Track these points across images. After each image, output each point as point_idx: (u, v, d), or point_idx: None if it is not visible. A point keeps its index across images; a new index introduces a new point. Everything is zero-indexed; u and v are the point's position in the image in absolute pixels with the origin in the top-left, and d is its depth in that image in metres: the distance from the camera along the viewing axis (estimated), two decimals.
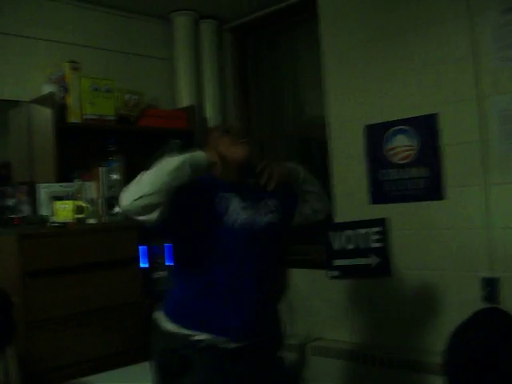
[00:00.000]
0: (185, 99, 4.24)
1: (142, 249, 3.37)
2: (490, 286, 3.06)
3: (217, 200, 2.13)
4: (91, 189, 3.32)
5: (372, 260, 3.54)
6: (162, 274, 3.49)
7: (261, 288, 2.17)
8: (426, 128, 3.31)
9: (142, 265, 3.36)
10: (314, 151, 4.30)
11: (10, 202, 3.30)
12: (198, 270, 2.14)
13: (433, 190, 3.29)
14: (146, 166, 3.85)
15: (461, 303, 3.06)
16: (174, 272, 2.25)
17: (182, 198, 2.00)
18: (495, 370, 2.05)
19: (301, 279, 3.87)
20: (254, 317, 2.13)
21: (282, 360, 2.34)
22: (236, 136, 2.21)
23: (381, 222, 3.51)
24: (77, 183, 3.27)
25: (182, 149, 3.83)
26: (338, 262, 3.70)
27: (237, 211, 2.13)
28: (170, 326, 2.12)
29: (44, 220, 3.11)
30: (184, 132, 4.01)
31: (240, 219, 2.13)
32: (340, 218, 3.74)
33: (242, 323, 2.10)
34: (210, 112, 4.35)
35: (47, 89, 3.47)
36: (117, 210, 3.29)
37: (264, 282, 2.20)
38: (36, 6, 3.72)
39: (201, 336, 2.07)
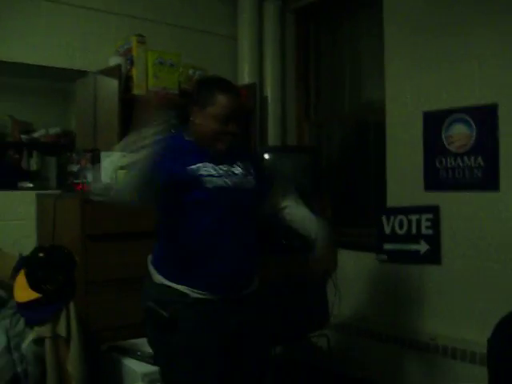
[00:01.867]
0: (246, 77, 4.31)
1: None
2: None
3: (192, 164, 2.12)
4: None
5: (422, 247, 3.56)
6: None
7: (238, 245, 2.18)
8: (485, 118, 3.28)
9: None
10: (370, 135, 4.30)
11: (74, 167, 3.42)
12: (177, 228, 2.17)
13: (489, 180, 3.28)
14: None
15: (508, 295, 3.07)
16: (157, 227, 2.26)
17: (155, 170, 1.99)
18: None
19: (350, 261, 3.92)
20: (231, 272, 2.16)
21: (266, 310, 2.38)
22: (228, 128, 2.17)
23: (434, 209, 3.51)
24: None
25: (241, 124, 3.95)
26: (388, 246, 3.73)
27: (211, 174, 2.14)
28: (159, 277, 2.19)
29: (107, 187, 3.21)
30: (244, 108, 4.06)
31: (216, 181, 2.14)
32: (393, 202, 3.77)
33: (220, 279, 2.14)
34: (270, 91, 4.40)
35: (114, 61, 3.57)
36: None
37: (241, 238, 2.20)
38: None
39: (186, 290, 2.12)
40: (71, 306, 2.57)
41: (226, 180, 2.17)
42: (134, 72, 3.51)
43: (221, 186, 2.15)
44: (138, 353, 2.86)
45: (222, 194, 2.15)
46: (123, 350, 2.91)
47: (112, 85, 3.48)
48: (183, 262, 2.16)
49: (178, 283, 2.14)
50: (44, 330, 2.48)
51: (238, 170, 2.23)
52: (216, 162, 2.17)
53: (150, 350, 2.82)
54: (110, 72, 3.54)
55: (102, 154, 3.31)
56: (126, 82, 3.53)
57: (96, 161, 3.32)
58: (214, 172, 2.15)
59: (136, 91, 3.50)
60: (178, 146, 2.18)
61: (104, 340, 3.00)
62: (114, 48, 3.71)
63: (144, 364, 2.77)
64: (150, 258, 2.29)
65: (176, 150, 2.13)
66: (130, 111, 3.43)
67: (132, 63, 3.53)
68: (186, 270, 2.16)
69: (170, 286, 2.15)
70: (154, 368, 2.71)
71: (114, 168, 2.19)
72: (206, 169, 2.14)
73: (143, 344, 2.97)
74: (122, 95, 3.45)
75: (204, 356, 2.12)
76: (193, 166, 2.12)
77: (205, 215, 2.12)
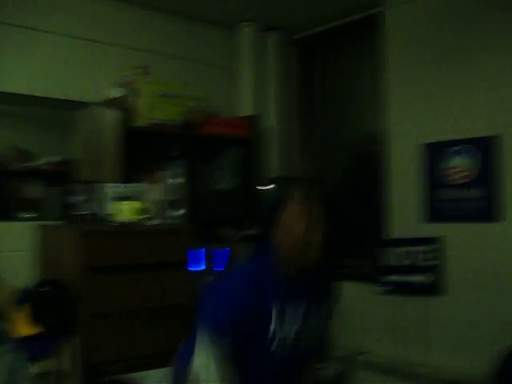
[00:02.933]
0: (247, 108, 4.33)
1: (203, 251, 3.44)
2: None
3: (267, 315, 1.85)
4: (155, 191, 3.41)
5: (425, 278, 3.54)
6: None
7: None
8: (487, 149, 3.31)
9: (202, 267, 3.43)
10: (368, 166, 4.30)
11: (76, 199, 3.41)
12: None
13: (491, 211, 3.29)
14: (206, 172, 3.96)
15: None
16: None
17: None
18: None
19: (352, 292, 3.88)
20: None
21: None
22: (316, 223, 1.84)
23: (436, 241, 3.51)
24: (141, 185, 3.36)
25: (242, 157, 3.96)
26: (390, 278, 3.71)
27: (285, 330, 1.88)
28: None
29: (107, 219, 3.21)
30: (245, 140, 4.09)
31: (287, 340, 1.89)
32: (394, 234, 3.76)
33: None
34: (273, 121, 4.42)
35: (115, 92, 3.59)
36: (180, 212, 3.38)
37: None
38: (106, 11, 3.86)
39: None
40: (74, 339, 2.54)
41: (291, 329, 1.90)
42: (138, 104, 3.52)
43: (283, 340, 1.89)
44: None
45: (284, 349, 1.90)
46: None
47: (114, 116, 3.49)
48: None
49: None
50: (48, 365, 2.45)
51: (301, 308, 1.94)
52: (285, 295, 1.90)
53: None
54: (111, 103, 3.55)
55: (104, 186, 3.31)
56: (127, 114, 3.53)
57: (98, 192, 3.32)
58: (280, 320, 1.88)
59: (138, 123, 3.50)
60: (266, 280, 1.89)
61: (106, 373, 2.96)
62: (113, 79, 3.72)
63: None
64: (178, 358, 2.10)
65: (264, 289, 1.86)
66: (131, 143, 3.44)
67: (135, 94, 3.54)
68: None
69: None
70: None
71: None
72: (276, 315, 1.87)
73: (143, 378, 2.95)
74: (125, 127, 3.45)
75: None
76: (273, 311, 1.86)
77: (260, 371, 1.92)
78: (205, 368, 1.79)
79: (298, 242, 1.82)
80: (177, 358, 2.08)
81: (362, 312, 3.92)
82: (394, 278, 3.69)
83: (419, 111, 3.67)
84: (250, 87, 4.35)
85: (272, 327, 1.86)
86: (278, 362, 1.91)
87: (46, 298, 2.53)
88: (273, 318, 1.85)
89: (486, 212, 3.31)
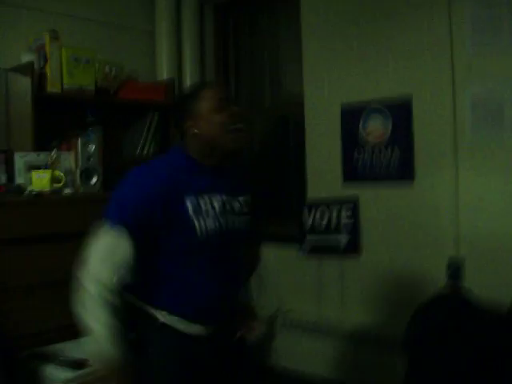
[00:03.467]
0: (165, 72, 4.25)
1: None
2: (455, 265, 3.15)
3: (187, 203, 1.93)
4: (68, 159, 3.33)
5: (342, 238, 3.63)
6: None
7: (225, 284, 2.05)
8: (400, 110, 3.39)
9: None
10: (291, 128, 4.34)
11: None
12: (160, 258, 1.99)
13: (404, 170, 3.38)
14: (124, 138, 3.90)
15: (426, 283, 3.16)
16: None
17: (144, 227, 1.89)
18: (449, 351, 2.16)
19: (273, 253, 3.94)
20: (211, 306, 2.01)
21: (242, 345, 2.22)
22: (233, 115, 1.97)
23: (352, 200, 3.59)
24: (54, 153, 3.28)
25: (160, 122, 3.91)
26: (309, 238, 3.77)
27: (207, 215, 1.95)
28: (130, 298, 2.03)
29: (20, 189, 3.13)
30: (163, 105, 4.03)
31: (209, 226, 1.95)
32: (313, 194, 3.83)
33: (199, 311, 1.99)
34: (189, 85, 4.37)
35: (27, 57, 3.45)
36: (94, 181, 3.32)
37: (229, 278, 2.07)
38: None
39: (158, 314, 1.98)
40: None
41: (221, 220, 1.98)
42: (48, 69, 3.41)
43: (213, 230, 1.95)
44: (61, 358, 2.79)
45: (213, 239, 1.96)
46: (44, 357, 2.83)
47: (25, 82, 3.37)
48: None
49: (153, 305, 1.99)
50: None
51: (237, 205, 2.05)
52: (213, 188, 1.99)
53: (72, 355, 2.79)
54: (22, 69, 3.42)
55: (16, 155, 3.22)
56: (39, 80, 3.42)
57: (9, 162, 3.23)
58: (210, 207, 1.96)
59: (50, 89, 3.40)
60: (178, 168, 1.99)
61: (23, 347, 2.90)
62: (26, 44, 3.59)
63: (66, 369, 2.71)
64: None
65: (175, 176, 1.95)
66: (44, 109, 3.34)
67: (46, 60, 3.43)
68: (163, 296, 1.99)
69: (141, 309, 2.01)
70: (77, 373, 2.66)
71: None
72: (203, 202, 1.95)
73: (65, 349, 2.92)
74: (36, 93, 3.34)
75: None
76: (188, 203, 1.92)
77: (189, 262, 1.96)
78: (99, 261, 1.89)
79: (216, 131, 1.94)
80: None
81: (284, 272, 3.99)
82: (312, 238, 3.76)
83: (337, 73, 3.71)
84: (166, 51, 4.26)
85: (190, 216, 1.91)
86: (206, 248, 1.96)
87: None
88: (188, 207, 1.91)
89: (398, 172, 3.40)
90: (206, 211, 1.95)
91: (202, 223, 1.93)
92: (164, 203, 1.89)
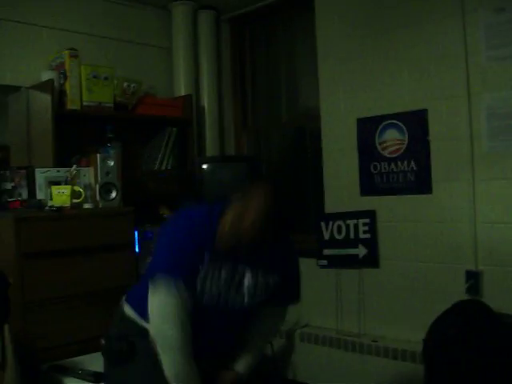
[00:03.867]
0: (182, 88, 4.31)
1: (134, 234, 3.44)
2: (473, 279, 3.14)
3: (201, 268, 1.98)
4: (88, 174, 3.38)
5: (360, 251, 3.63)
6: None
7: (229, 338, 2.13)
8: (415, 123, 3.39)
9: (135, 249, 3.43)
10: (307, 142, 4.36)
11: (8, 185, 3.36)
12: None
13: (421, 183, 3.37)
14: (142, 153, 3.94)
15: (445, 294, 3.14)
16: (147, 271, 2.14)
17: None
18: (468, 358, 2.16)
19: None
20: (213, 351, 2.10)
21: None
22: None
23: (370, 214, 3.59)
24: (74, 169, 3.33)
25: (178, 137, 3.96)
26: (327, 252, 3.78)
27: (212, 282, 1.99)
28: (130, 312, 2.13)
29: (41, 204, 3.18)
30: (180, 120, 4.08)
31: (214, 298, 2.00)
32: (331, 208, 3.83)
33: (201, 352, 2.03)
34: (207, 101, 4.42)
35: (47, 75, 3.52)
36: (113, 195, 3.37)
37: (235, 333, 2.15)
38: None
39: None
40: (5, 328, 2.51)
41: (227, 297, 2.02)
42: (68, 86, 3.48)
43: (217, 304, 2.01)
44: (79, 371, 2.81)
45: (216, 310, 2.02)
46: (64, 369, 2.86)
47: (45, 100, 3.44)
48: None
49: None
50: None
51: (247, 278, 2.05)
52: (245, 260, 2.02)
53: (91, 368, 2.82)
54: (42, 87, 3.49)
55: (36, 171, 3.27)
56: (59, 97, 3.49)
57: (30, 178, 3.28)
58: (216, 281, 1.99)
59: (70, 106, 3.47)
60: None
61: (45, 360, 2.94)
62: (46, 62, 3.66)
63: (85, 382, 2.73)
64: (125, 296, 2.23)
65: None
66: (64, 126, 3.40)
67: (65, 77, 3.50)
68: None
69: (136, 322, 2.09)
70: None
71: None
72: (212, 271, 1.98)
73: (84, 362, 2.95)
74: (56, 110, 3.40)
75: None
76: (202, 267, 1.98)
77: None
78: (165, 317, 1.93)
79: (226, 233, 1.96)
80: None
81: (302, 286, 3.98)
82: (330, 251, 3.76)
83: (352, 87, 3.72)
84: (183, 67, 4.32)
85: (202, 275, 1.96)
86: (202, 308, 1.99)
87: None
88: (204, 265, 1.96)
89: (416, 184, 3.40)
90: (213, 277, 1.99)
91: (207, 288, 1.98)
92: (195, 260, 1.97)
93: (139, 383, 2.05)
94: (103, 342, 2.16)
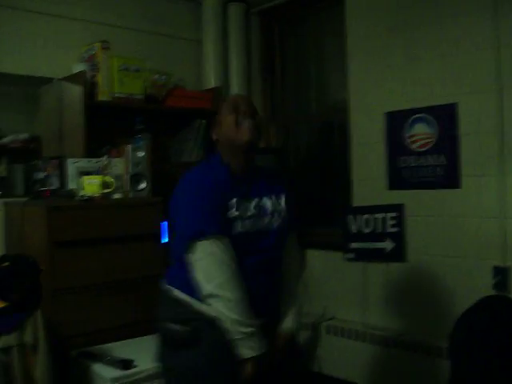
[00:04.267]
0: (211, 80, 4.33)
1: (162, 224, 3.48)
2: (501, 275, 3.12)
3: (229, 207, 2.09)
4: (118, 165, 3.43)
5: (387, 244, 3.62)
6: None
7: (269, 278, 2.16)
8: (445, 117, 3.37)
9: (163, 240, 3.47)
10: (335, 135, 4.36)
11: (41, 175, 3.42)
12: None
13: (449, 178, 3.35)
14: (171, 145, 3.97)
15: (472, 290, 3.13)
16: (176, 247, 2.17)
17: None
18: (495, 353, 2.14)
19: (318, 260, 3.97)
20: (259, 301, 2.10)
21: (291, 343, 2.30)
22: (244, 114, 2.18)
23: (398, 208, 3.58)
24: (105, 159, 3.38)
25: (207, 129, 3.98)
26: (354, 245, 3.79)
27: (243, 218, 2.10)
28: (182, 295, 2.12)
29: (72, 193, 3.23)
30: (210, 112, 4.09)
31: (246, 226, 2.10)
32: (358, 202, 3.83)
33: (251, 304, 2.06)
34: (236, 93, 4.42)
35: (79, 67, 3.57)
36: (142, 186, 3.40)
37: (272, 271, 2.19)
38: None
39: (209, 310, 2.05)
40: (38, 313, 2.58)
41: (254, 222, 2.13)
42: (99, 78, 3.52)
43: (246, 232, 2.10)
44: (108, 358, 2.86)
45: (247, 239, 2.11)
46: (93, 356, 2.91)
47: (76, 91, 3.49)
48: None
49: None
50: (10, 339, 2.48)
51: (268, 203, 2.21)
52: (245, 192, 2.16)
53: (120, 355, 2.87)
54: (74, 79, 3.54)
55: (68, 161, 3.33)
56: (91, 89, 3.53)
57: (62, 168, 3.33)
58: (242, 213, 2.11)
59: (101, 97, 3.51)
60: (219, 178, 2.15)
61: (74, 346, 3.00)
62: (78, 54, 3.71)
63: (113, 369, 2.78)
64: (167, 280, 2.25)
65: (219, 185, 2.12)
66: (95, 117, 3.45)
67: (97, 69, 3.54)
68: None
69: (192, 305, 2.09)
70: (123, 373, 2.74)
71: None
72: (236, 208, 2.10)
73: (112, 349, 3.00)
74: (87, 102, 3.45)
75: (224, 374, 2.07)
76: (230, 207, 2.09)
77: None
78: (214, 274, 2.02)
79: (230, 130, 2.17)
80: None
81: (329, 279, 4.00)
82: (357, 245, 3.77)
83: (380, 80, 3.71)
84: (213, 59, 4.34)
85: (230, 219, 2.07)
86: (244, 247, 2.09)
87: (6, 273, 2.56)
88: (230, 211, 2.08)
89: (444, 179, 3.38)
90: (242, 214, 2.10)
91: (240, 225, 2.09)
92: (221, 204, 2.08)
93: (206, 369, 2.06)
94: (160, 325, 2.17)
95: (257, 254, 2.13)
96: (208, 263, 2.02)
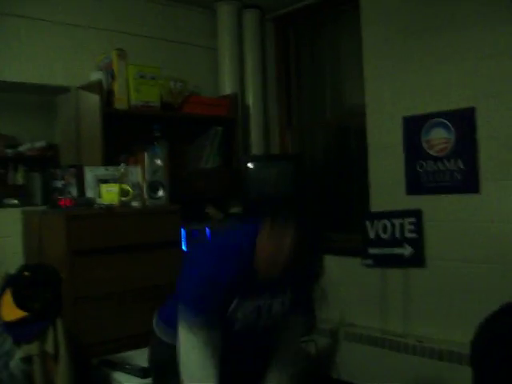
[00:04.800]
0: (227, 87, 4.33)
1: (181, 232, 3.48)
2: None
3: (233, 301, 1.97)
4: (136, 173, 3.44)
5: (406, 250, 3.60)
6: None
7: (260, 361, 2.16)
8: (463, 121, 3.35)
9: (182, 247, 3.47)
10: (352, 140, 4.35)
11: (59, 183, 3.43)
12: None
13: (468, 182, 3.33)
14: (188, 152, 3.98)
15: (492, 295, 3.10)
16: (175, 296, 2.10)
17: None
18: None
19: (336, 266, 3.95)
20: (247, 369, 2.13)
21: None
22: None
23: (416, 213, 3.56)
24: (122, 167, 3.39)
25: (224, 136, 3.99)
26: (372, 251, 3.77)
27: (243, 315, 2.00)
28: (167, 337, 2.15)
29: (90, 202, 3.24)
30: (226, 119, 4.11)
31: (244, 323, 2.01)
32: (376, 207, 3.82)
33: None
34: (252, 100, 4.44)
35: (95, 76, 3.59)
36: (160, 193, 3.41)
37: (266, 356, 2.16)
38: None
39: None
40: (58, 322, 2.58)
41: (255, 322, 2.04)
42: (116, 86, 3.53)
43: (249, 328, 2.03)
44: (128, 366, 2.87)
45: (250, 336, 2.05)
46: (113, 364, 2.92)
47: (93, 100, 3.50)
48: None
49: None
50: (32, 348, 2.49)
51: (278, 302, 2.07)
52: (261, 292, 2.02)
53: (140, 363, 2.86)
54: (90, 87, 3.56)
55: (86, 169, 3.34)
56: (107, 97, 3.55)
57: (80, 176, 3.35)
58: (250, 311, 2.01)
59: (118, 105, 3.52)
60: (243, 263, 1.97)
61: (94, 354, 3.01)
62: (94, 63, 3.73)
63: (133, 377, 2.78)
64: (156, 314, 2.29)
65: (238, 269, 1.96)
66: (112, 125, 3.46)
67: (113, 77, 3.55)
68: None
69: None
70: (143, 381, 2.73)
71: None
72: (244, 306, 1.99)
73: (133, 357, 3.00)
74: (104, 110, 3.47)
75: None
76: (234, 302, 1.97)
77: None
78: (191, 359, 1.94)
79: (266, 261, 1.92)
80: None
81: (347, 285, 3.98)
82: (375, 250, 3.75)
83: (397, 85, 3.70)
84: (228, 66, 4.35)
85: (230, 313, 1.96)
86: (239, 340, 2.02)
87: (27, 283, 2.56)
88: (233, 304, 1.95)
89: (463, 183, 3.36)
90: (244, 314, 1.99)
91: (238, 323, 2.00)
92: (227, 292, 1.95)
93: None
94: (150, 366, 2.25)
95: (248, 341, 2.07)
96: (189, 358, 1.96)
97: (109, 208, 3.17)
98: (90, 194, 3.31)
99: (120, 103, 3.54)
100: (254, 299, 2.00)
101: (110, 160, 3.46)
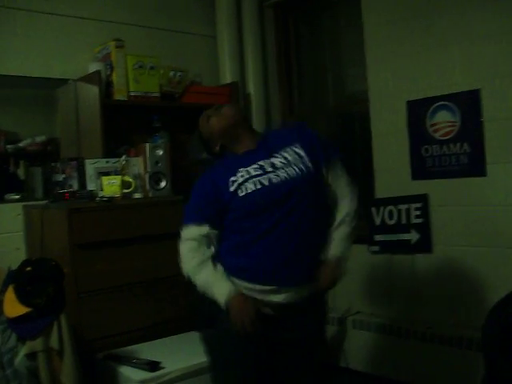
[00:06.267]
0: (228, 75, 4.28)
1: None
2: None
3: (229, 184, 2.20)
4: (137, 164, 3.40)
5: (412, 236, 3.56)
6: None
7: (296, 241, 2.17)
8: (468, 104, 3.29)
9: None
10: (355, 126, 4.30)
11: (60, 177, 3.40)
12: (233, 233, 2.24)
13: (475, 166, 3.28)
14: (190, 142, 3.94)
15: (501, 279, 3.08)
16: None
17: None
18: None
19: None
20: (279, 266, 2.16)
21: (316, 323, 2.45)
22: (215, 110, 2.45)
23: (422, 198, 3.52)
24: (123, 159, 3.35)
25: None
26: (378, 238, 3.73)
27: (246, 182, 2.18)
28: None
29: (92, 195, 3.21)
30: None
31: (250, 189, 2.17)
32: (381, 193, 3.77)
33: (265, 272, 2.17)
34: (253, 88, 4.38)
35: (94, 67, 3.55)
36: (162, 184, 3.37)
37: (300, 234, 2.19)
38: None
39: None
40: (62, 317, 2.56)
41: (262, 180, 2.18)
42: (114, 77, 3.49)
43: (254, 191, 2.17)
44: (134, 360, 2.85)
45: (259, 198, 2.16)
46: (119, 358, 2.90)
47: (92, 91, 3.47)
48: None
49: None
50: (36, 344, 2.47)
51: (278, 159, 2.24)
52: (250, 161, 2.24)
53: (146, 357, 2.84)
54: (89, 79, 3.52)
55: (86, 162, 3.30)
56: (106, 88, 3.51)
57: (81, 169, 3.31)
58: (247, 175, 2.20)
59: (117, 96, 3.48)
60: (222, 165, 2.33)
61: (99, 349, 2.99)
62: (92, 54, 3.69)
63: (140, 371, 2.76)
64: None
65: (220, 171, 2.29)
66: (111, 117, 3.42)
67: (112, 68, 3.51)
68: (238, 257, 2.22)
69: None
70: (151, 375, 2.71)
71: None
72: (241, 175, 2.20)
73: (138, 351, 2.98)
74: (104, 101, 3.43)
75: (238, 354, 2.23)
76: (230, 183, 2.20)
77: (249, 221, 2.18)
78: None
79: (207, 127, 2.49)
80: None
81: (354, 272, 3.92)
82: (381, 237, 3.71)
83: (401, 69, 3.64)
84: (228, 54, 4.29)
85: (232, 192, 2.18)
86: (258, 210, 2.17)
87: (30, 278, 2.54)
88: (230, 186, 2.19)
89: (469, 167, 3.31)
90: (244, 180, 2.18)
91: (243, 190, 2.17)
92: (217, 193, 2.21)
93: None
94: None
95: (273, 217, 2.15)
96: (184, 248, 2.28)
97: (111, 200, 3.14)
98: (91, 186, 3.28)
99: (119, 94, 3.51)
100: (244, 168, 2.22)
101: (110, 152, 3.43)
